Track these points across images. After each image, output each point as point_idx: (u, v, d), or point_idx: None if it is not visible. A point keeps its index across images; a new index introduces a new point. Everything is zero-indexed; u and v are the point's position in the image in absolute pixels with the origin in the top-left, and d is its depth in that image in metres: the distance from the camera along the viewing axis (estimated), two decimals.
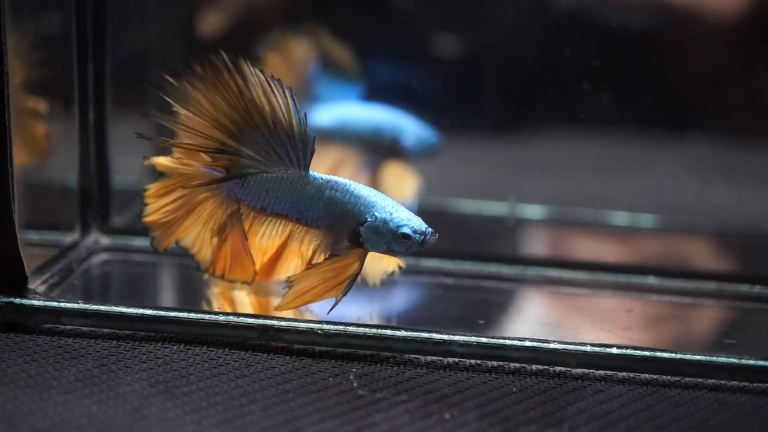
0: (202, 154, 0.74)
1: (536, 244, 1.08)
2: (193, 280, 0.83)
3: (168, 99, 0.73)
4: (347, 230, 0.73)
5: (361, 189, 0.73)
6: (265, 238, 0.76)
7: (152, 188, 0.78)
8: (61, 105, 0.89)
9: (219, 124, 0.72)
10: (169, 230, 0.78)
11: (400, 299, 0.89)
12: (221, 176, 0.74)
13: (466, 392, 0.70)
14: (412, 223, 0.72)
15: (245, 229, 0.76)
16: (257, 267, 0.78)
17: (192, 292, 0.86)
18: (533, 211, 1.08)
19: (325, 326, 0.74)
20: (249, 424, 0.64)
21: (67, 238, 0.89)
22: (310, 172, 0.73)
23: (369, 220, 0.72)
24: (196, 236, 0.78)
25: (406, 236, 0.72)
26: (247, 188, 0.74)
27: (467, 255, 0.93)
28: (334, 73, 0.97)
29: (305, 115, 0.71)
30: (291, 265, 0.78)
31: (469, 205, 1.08)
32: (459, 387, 0.70)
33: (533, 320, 0.88)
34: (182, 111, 0.73)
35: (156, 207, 0.78)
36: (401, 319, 0.86)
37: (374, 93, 0.98)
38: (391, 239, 0.72)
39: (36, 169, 0.85)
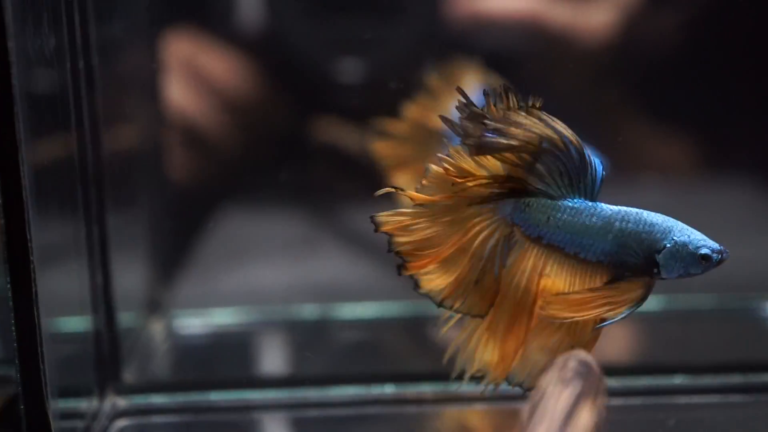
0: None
1: None
2: None
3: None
4: (637, 261, 0.69)
5: (654, 216, 0.70)
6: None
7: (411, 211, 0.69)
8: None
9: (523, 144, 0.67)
10: (421, 255, 0.69)
11: None
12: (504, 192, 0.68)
13: None
14: (708, 243, 0.70)
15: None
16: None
17: None
18: None
19: None
20: None
21: (85, 405, 0.73)
22: (599, 203, 0.69)
23: (668, 246, 0.69)
24: (447, 261, 0.69)
25: (705, 257, 0.69)
26: (528, 213, 0.69)
27: None
28: None
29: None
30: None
31: None
32: None
33: None
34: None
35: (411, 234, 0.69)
36: None
37: None
38: (690, 262, 0.69)
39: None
